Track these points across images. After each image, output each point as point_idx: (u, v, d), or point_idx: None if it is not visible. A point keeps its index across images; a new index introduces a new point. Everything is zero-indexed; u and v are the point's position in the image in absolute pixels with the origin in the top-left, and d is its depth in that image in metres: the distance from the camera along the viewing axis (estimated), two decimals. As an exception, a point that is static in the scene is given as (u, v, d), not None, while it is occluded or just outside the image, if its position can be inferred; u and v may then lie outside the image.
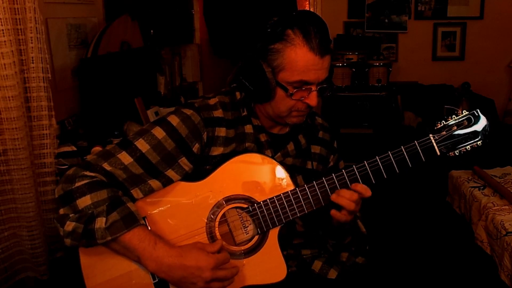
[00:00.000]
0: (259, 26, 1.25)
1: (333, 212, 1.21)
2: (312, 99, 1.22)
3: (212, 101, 1.27)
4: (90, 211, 1.11)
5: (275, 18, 1.23)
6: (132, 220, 1.11)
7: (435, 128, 1.21)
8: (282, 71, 1.20)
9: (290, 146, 1.35)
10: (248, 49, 1.26)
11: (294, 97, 1.21)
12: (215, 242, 1.19)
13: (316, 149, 1.41)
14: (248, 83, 1.24)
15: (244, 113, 1.30)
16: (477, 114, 1.20)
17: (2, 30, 1.74)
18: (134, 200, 1.18)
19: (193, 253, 1.13)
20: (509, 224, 1.89)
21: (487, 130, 1.19)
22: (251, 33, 1.27)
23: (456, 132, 1.20)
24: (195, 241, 1.19)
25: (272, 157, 1.29)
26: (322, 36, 1.18)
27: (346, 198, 1.18)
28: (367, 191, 1.19)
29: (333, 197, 1.20)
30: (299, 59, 1.18)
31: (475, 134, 1.20)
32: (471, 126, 1.20)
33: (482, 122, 1.20)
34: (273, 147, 1.32)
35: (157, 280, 1.16)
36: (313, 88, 1.21)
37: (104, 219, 1.10)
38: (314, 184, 1.21)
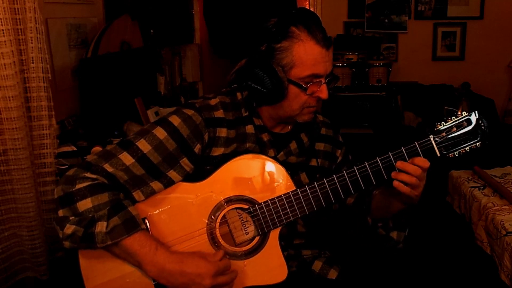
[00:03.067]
0: (260, 27, 1.25)
1: (397, 183, 1.19)
2: (324, 92, 1.24)
3: (213, 102, 1.27)
4: (90, 215, 1.10)
5: (273, 18, 1.24)
6: (133, 225, 1.11)
7: (435, 129, 1.21)
8: (293, 68, 1.21)
9: (293, 145, 1.35)
10: (251, 51, 1.26)
11: (307, 91, 1.22)
12: (217, 252, 1.18)
13: (320, 146, 1.42)
14: (259, 86, 1.23)
15: (245, 114, 1.30)
16: (476, 116, 1.20)
17: (2, 30, 1.74)
18: (135, 202, 1.18)
19: (194, 260, 1.13)
20: (509, 224, 1.89)
21: (486, 132, 1.20)
22: (252, 34, 1.27)
23: (456, 134, 1.20)
24: (196, 249, 1.19)
25: (275, 156, 1.29)
26: (323, 30, 1.21)
27: (403, 174, 1.17)
28: (425, 163, 1.18)
29: (393, 175, 1.18)
30: (308, 53, 1.19)
31: (474, 135, 1.20)
32: (470, 127, 1.20)
33: (482, 123, 1.20)
34: (275, 147, 1.33)
35: (156, 281, 1.16)
36: (323, 80, 1.23)
37: (105, 223, 1.09)
38: (315, 185, 1.22)
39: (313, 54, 1.20)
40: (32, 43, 1.89)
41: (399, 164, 1.18)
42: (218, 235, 1.21)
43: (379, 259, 1.41)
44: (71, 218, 1.11)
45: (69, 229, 1.10)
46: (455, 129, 1.20)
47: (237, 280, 1.18)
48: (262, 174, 1.23)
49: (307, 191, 1.21)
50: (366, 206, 1.40)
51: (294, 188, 1.22)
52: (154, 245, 1.12)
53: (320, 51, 1.20)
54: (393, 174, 1.18)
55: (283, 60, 1.21)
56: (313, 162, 1.39)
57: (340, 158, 1.45)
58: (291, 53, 1.20)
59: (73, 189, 1.12)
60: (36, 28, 1.90)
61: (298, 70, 1.21)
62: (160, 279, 1.12)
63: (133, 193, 1.17)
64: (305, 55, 1.20)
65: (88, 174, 1.14)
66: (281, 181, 1.23)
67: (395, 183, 1.19)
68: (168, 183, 1.20)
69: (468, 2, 4.23)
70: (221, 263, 1.14)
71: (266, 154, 1.27)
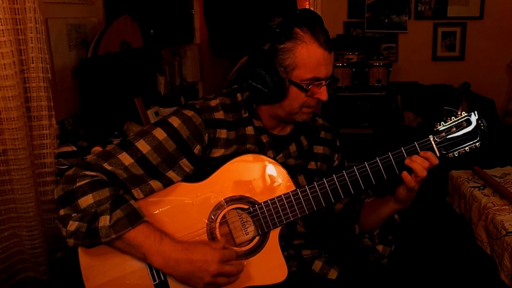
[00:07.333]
0: (263, 27, 1.25)
1: (405, 174, 1.19)
2: (323, 94, 1.24)
3: (213, 103, 1.28)
4: (93, 210, 1.10)
5: (277, 18, 1.24)
6: (136, 217, 1.11)
7: (435, 129, 1.22)
8: (295, 70, 1.21)
9: (292, 147, 1.36)
10: (253, 51, 1.27)
11: (308, 93, 1.23)
12: (218, 240, 1.19)
13: (319, 149, 1.42)
14: (260, 85, 1.24)
15: (245, 115, 1.31)
16: (476, 116, 1.20)
17: (2, 30, 1.74)
18: (135, 199, 1.18)
19: (199, 248, 1.13)
20: (509, 224, 1.90)
21: (485, 132, 1.20)
22: (255, 34, 1.27)
23: (455, 134, 1.20)
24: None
25: (274, 158, 1.29)
26: (326, 32, 1.22)
27: (418, 163, 1.18)
28: (435, 159, 1.19)
29: (407, 161, 1.19)
30: (311, 55, 1.20)
31: (474, 135, 1.20)
32: (469, 127, 1.20)
33: (481, 123, 1.20)
34: (275, 148, 1.33)
35: (157, 281, 1.17)
36: (323, 83, 1.24)
37: (108, 217, 1.09)
38: (314, 185, 1.22)
39: (316, 57, 1.20)
40: (32, 43, 1.89)
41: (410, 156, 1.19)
42: (218, 235, 1.21)
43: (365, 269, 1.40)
44: (73, 215, 1.11)
45: (72, 226, 1.10)
46: (454, 129, 1.20)
47: (237, 280, 1.18)
48: (262, 175, 1.24)
49: (307, 191, 1.22)
50: (355, 213, 1.40)
51: (294, 188, 1.22)
52: (159, 236, 1.12)
53: (323, 54, 1.21)
54: (407, 161, 1.19)
55: (285, 61, 1.21)
56: (311, 165, 1.39)
57: (336, 163, 1.45)
58: (293, 55, 1.20)
59: (74, 187, 1.12)
60: (36, 28, 1.90)
61: (300, 72, 1.21)
62: (166, 268, 1.12)
63: (132, 191, 1.17)
64: (308, 58, 1.20)
65: (87, 172, 1.14)
66: (281, 182, 1.23)
67: (403, 173, 1.19)
68: (168, 183, 1.20)
69: (468, 2, 4.23)
70: (227, 251, 1.15)
71: (265, 155, 1.27)
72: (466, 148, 1.21)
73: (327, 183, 1.21)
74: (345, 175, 1.21)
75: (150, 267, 1.16)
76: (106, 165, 1.16)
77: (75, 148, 2.29)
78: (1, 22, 1.74)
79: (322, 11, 4.25)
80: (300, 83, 1.22)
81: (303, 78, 1.21)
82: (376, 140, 3.80)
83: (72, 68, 2.64)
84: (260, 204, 1.22)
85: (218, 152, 1.25)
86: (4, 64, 1.76)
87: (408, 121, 3.92)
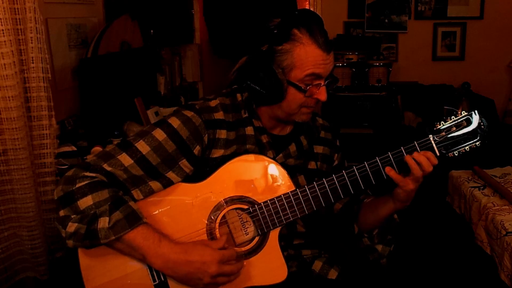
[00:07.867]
0: (261, 27, 1.25)
1: (392, 173, 1.20)
2: (322, 94, 1.24)
3: (213, 103, 1.28)
4: (92, 211, 1.10)
5: (276, 19, 1.24)
6: (135, 219, 1.11)
7: (435, 128, 1.22)
8: (293, 70, 1.21)
9: (292, 147, 1.36)
10: (252, 52, 1.27)
11: (306, 94, 1.23)
12: (218, 239, 1.19)
13: (319, 149, 1.42)
14: (259, 87, 1.24)
15: (245, 115, 1.31)
16: (475, 115, 1.20)
17: (2, 30, 1.74)
18: (134, 200, 1.18)
19: (198, 249, 1.13)
20: (509, 224, 1.90)
21: (485, 131, 1.20)
22: (253, 35, 1.27)
23: (455, 133, 1.20)
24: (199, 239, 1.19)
25: (274, 158, 1.29)
26: (325, 33, 1.22)
27: (413, 161, 1.18)
28: (435, 159, 1.19)
29: (406, 157, 1.19)
30: (309, 56, 1.20)
31: (474, 135, 1.20)
32: (469, 127, 1.20)
33: (481, 122, 1.20)
34: (274, 148, 1.33)
35: (157, 282, 1.17)
36: (322, 83, 1.24)
37: (107, 218, 1.09)
38: (314, 185, 1.22)
39: (314, 57, 1.20)
40: (32, 43, 1.89)
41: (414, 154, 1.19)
42: (218, 235, 1.21)
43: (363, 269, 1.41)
44: (72, 216, 1.11)
45: (72, 227, 1.10)
46: (454, 128, 1.21)
47: (237, 280, 1.18)
48: (262, 175, 1.23)
49: (306, 191, 1.22)
50: (353, 213, 1.40)
51: (294, 188, 1.22)
52: (158, 237, 1.12)
53: (321, 55, 1.20)
54: (415, 154, 1.18)
55: (283, 62, 1.21)
56: (311, 165, 1.39)
57: (336, 162, 1.46)
58: (291, 56, 1.20)
59: (73, 188, 1.12)
60: (36, 28, 1.90)
61: (298, 71, 1.21)
62: (166, 270, 1.13)
63: (132, 192, 1.17)
64: (306, 59, 1.20)
65: (87, 173, 1.14)
66: (280, 182, 1.23)
67: (391, 172, 1.19)
68: (167, 183, 1.20)
69: (468, 2, 4.23)
70: (226, 252, 1.15)
71: (265, 155, 1.27)
72: (466, 147, 1.21)
73: (326, 183, 1.21)
74: (345, 175, 1.21)
75: (150, 267, 1.16)
76: (106, 166, 1.16)
77: (75, 148, 2.28)
78: (1, 22, 1.74)
79: (322, 11, 4.25)
80: (298, 84, 1.22)
81: (300, 77, 1.21)
82: (376, 140, 3.80)
83: (72, 68, 2.64)
84: (260, 204, 1.22)
85: (217, 153, 1.25)
86: (4, 64, 1.76)
87: (408, 121, 3.92)
